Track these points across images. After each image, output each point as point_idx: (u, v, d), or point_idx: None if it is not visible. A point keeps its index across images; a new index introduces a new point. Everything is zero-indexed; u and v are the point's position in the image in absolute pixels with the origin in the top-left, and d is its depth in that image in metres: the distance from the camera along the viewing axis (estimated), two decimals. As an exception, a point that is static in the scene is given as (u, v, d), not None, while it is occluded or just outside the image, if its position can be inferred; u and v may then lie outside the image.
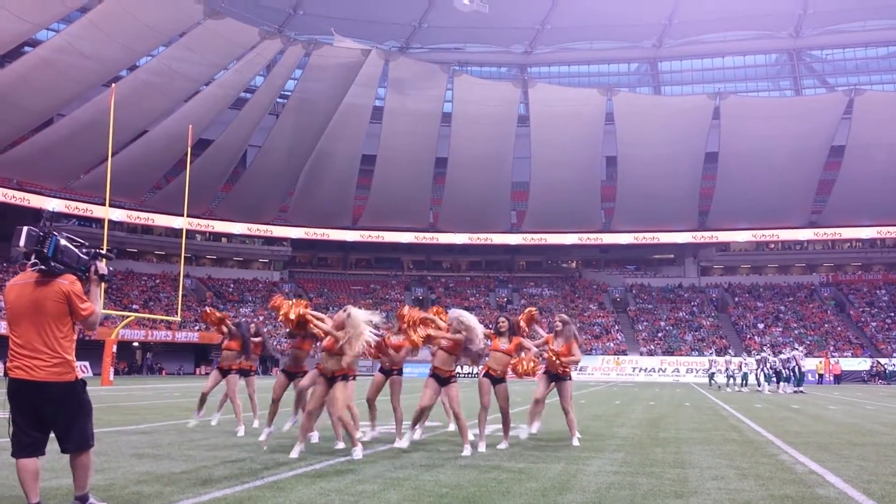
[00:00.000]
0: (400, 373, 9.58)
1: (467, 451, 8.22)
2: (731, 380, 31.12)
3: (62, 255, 4.60)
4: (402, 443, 8.73)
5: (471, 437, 8.60)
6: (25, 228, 4.55)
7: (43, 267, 4.57)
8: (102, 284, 4.86)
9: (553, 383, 9.62)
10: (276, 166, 56.86)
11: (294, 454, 7.84)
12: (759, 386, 29.70)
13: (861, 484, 6.56)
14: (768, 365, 29.61)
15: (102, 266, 4.80)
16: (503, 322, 9.00)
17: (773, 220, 59.17)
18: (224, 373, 11.14)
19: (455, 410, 8.58)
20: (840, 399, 23.90)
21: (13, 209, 45.76)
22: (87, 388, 4.76)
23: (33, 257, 4.56)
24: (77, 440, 4.63)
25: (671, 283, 64.01)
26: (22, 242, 4.52)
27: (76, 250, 4.70)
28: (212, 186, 55.96)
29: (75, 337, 4.73)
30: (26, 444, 4.55)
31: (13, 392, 4.57)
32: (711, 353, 35.09)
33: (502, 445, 8.85)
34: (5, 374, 4.64)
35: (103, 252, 4.86)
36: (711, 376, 34.43)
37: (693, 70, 63.58)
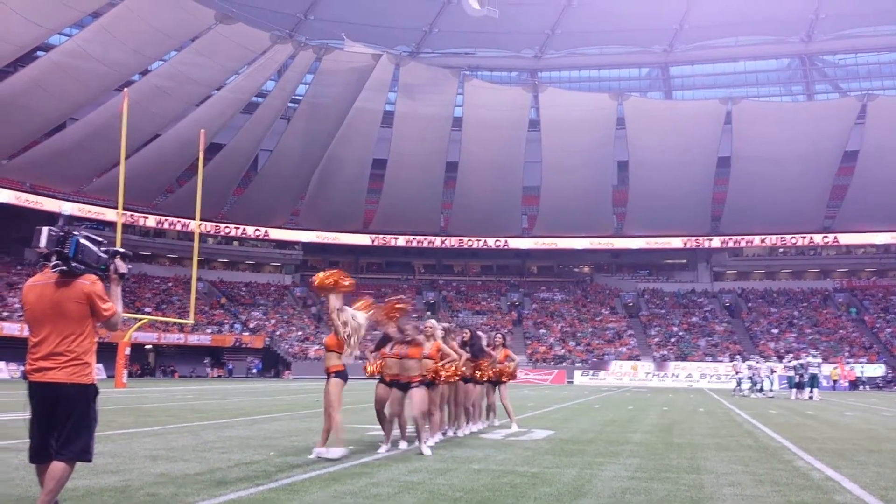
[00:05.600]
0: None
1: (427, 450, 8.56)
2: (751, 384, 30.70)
3: (83, 255, 4.50)
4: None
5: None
6: (46, 229, 4.44)
7: (64, 267, 4.46)
8: (121, 283, 4.77)
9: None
10: (287, 170, 57.03)
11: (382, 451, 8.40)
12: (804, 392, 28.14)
13: (878, 491, 6.51)
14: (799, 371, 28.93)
15: (122, 264, 4.69)
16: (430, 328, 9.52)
17: (786, 225, 58.86)
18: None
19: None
20: (855, 405, 23.73)
21: (27, 212, 46.11)
22: (101, 391, 4.64)
23: (54, 258, 4.46)
24: (78, 450, 4.43)
25: (684, 288, 63.74)
26: (43, 243, 4.42)
27: (96, 249, 4.59)
28: (223, 190, 56.20)
29: (95, 339, 4.62)
30: (39, 450, 4.45)
31: (32, 395, 4.48)
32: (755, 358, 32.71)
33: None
34: (24, 377, 4.53)
35: (122, 250, 4.74)
36: (755, 385, 30.16)
37: (704, 75, 63.39)
